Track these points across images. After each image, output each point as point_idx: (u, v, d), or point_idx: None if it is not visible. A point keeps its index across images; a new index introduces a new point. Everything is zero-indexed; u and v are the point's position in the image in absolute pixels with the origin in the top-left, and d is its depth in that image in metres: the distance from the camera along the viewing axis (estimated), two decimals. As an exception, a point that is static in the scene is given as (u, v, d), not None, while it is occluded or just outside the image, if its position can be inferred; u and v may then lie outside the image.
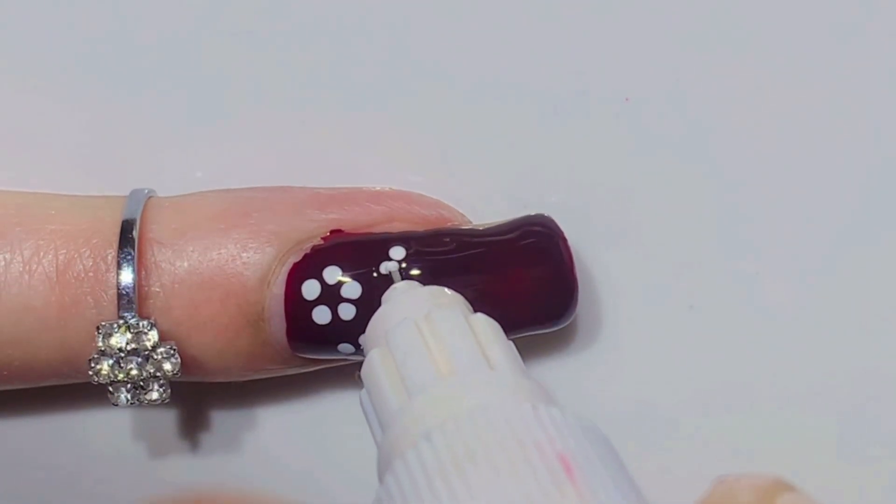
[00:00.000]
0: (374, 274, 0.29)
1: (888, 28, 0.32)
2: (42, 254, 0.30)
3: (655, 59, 0.33)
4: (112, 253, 0.29)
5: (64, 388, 0.32)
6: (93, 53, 0.33)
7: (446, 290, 0.28)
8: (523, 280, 0.30)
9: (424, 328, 0.25)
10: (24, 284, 0.29)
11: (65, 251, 0.30)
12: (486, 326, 0.26)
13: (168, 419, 0.33)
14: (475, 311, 0.28)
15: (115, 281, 0.29)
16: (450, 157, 0.33)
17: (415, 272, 0.29)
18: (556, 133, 0.33)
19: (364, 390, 0.26)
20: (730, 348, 0.32)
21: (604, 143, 0.33)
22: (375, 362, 0.26)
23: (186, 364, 0.30)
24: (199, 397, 0.33)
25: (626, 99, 0.32)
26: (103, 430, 0.33)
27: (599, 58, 0.33)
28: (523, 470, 0.22)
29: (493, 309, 0.28)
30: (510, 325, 0.28)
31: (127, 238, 0.29)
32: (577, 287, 0.30)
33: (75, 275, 0.29)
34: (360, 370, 0.27)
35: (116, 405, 0.30)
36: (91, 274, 0.29)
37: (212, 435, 0.33)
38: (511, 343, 0.26)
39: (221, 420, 0.33)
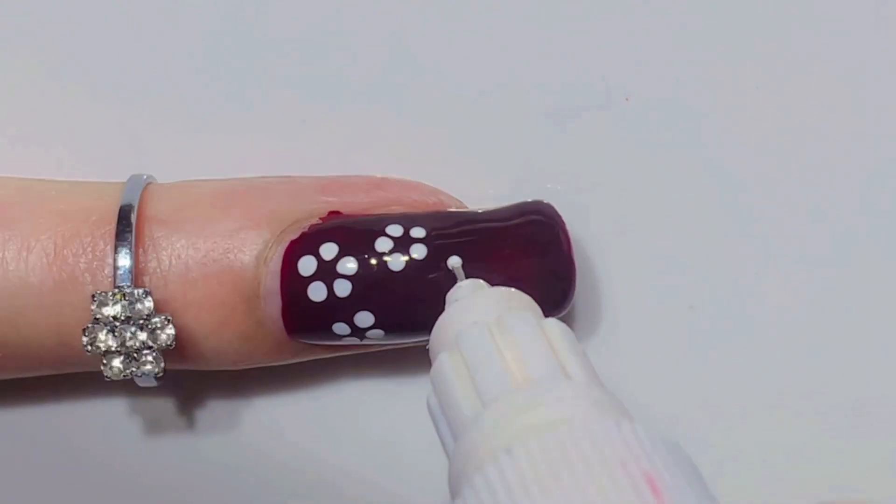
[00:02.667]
0: (371, 258, 0.29)
1: (889, 28, 0.33)
2: (40, 231, 0.29)
3: (655, 59, 0.33)
4: (110, 230, 0.29)
5: (62, 382, 0.32)
6: (93, 43, 0.33)
7: (514, 290, 0.27)
8: (522, 269, 0.30)
9: (496, 333, 0.25)
10: (21, 261, 0.29)
11: (63, 229, 0.29)
12: (559, 332, 0.25)
13: (165, 415, 0.33)
14: None
15: (112, 258, 0.29)
16: (450, 159, 0.33)
17: (414, 253, 0.29)
18: (555, 133, 0.33)
19: (432, 394, 0.25)
20: (730, 348, 0.33)
21: (604, 142, 0.33)
22: (446, 367, 0.25)
23: (181, 343, 0.29)
24: (195, 392, 0.33)
25: (627, 99, 0.33)
26: (101, 424, 0.33)
27: (599, 58, 0.33)
28: (609, 490, 0.21)
29: None
30: None
31: (125, 216, 0.29)
32: (574, 278, 0.30)
33: (73, 252, 0.29)
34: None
35: (109, 378, 0.29)
36: (89, 251, 0.29)
37: (209, 429, 0.33)
38: (584, 350, 0.25)
39: (219, 414, 0.33)
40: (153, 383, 0.30)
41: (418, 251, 0.29)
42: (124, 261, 0.29)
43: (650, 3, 0.33)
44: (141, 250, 0.29)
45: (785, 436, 0.32)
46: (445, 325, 0.27)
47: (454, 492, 0.23)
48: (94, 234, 0.29)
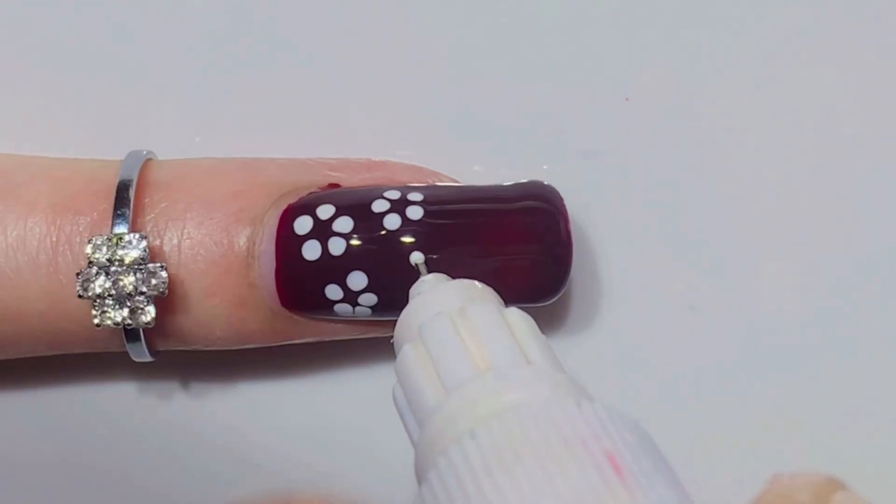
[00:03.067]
0: (367, 217, 0.29)
1: (888, 28, 0.32)
2: (41, 196, 0.30)
3: (655, 59, 0.33)
4: (109, 195, 0.30)
5: (58, 373, 0.32)
6: (92, 18, 0.33)
7: (476, 283, 0.28)
8: (517, 252, 0.30)
9: (459, 322, 0.25)
10: (21, 222, 0.29)
11: (64, 193, 0.30)
12: (520, 320, 0.25)
13: (158, 407, 0.33)
14: (463, 272, 0.29)
15: (109, 223, 0.29)
16: (448, 160, 0.32)
17: (409, 213, 0.29)
18: (555, 133, 0.33)
19: (397, 385, 0.25)
20: (730, 348, 0.32)
21: (603, 142, 0.33)
22: (409, 357, 0.25)
23: (173, 304, 0.30)
24: (188, 383, 0.33)
25: (627, 99, 0.33)
26: (94, 414, 0.33)
27: (599, 58, 0.33)
28: (571, 468, 0.21)
29: (482, 277, 0.29)
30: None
31: (125, 181, 0.30)
32: (570, 266, 0.30)
33: (72, 214, 0.30)
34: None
35: (100, 325, 0.29)
36: (87, 215, 0.30)
37: (201, 420, 0.33)
38: (545, 338, 0.25)
39: (213, 405, 0.33)
40: (147, 357, 0.30)
41: (414, 212, 0.30)
42: (122, 218, 0.29)
43: (650, 3, 0.33)
44: (139, 211, 0.30)
45: (784, 436, 0.32)
46: (408, 318, 0.27)
47: (420, 477, 0.23)
48: (94, 198, 0.30)
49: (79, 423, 0.33)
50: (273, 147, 0.32)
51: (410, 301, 0.27)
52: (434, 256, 0.29)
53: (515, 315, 0.26)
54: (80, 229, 0.30)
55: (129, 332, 0.30)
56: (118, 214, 0.29)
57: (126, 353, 0.31)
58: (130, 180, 0.30)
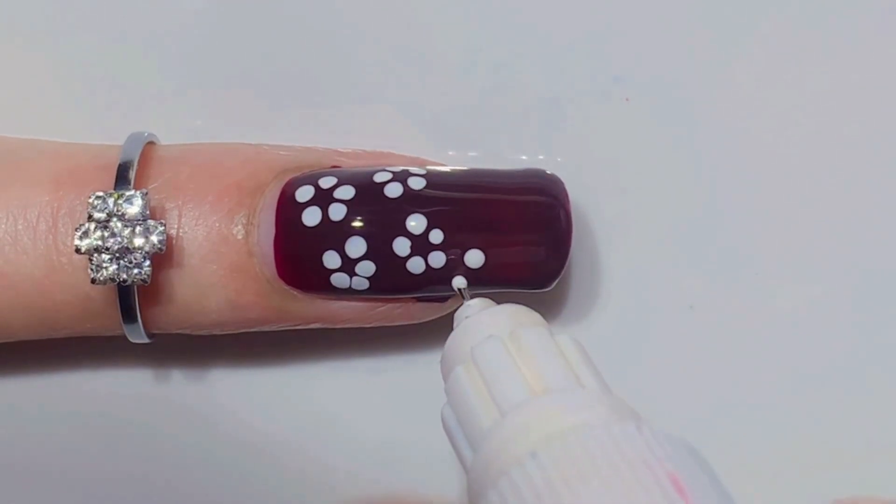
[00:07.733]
0: (368, 186, 0.30)
1: (888, 28, 0.33)
2: (47, 170, 0.30)
3: (656, 60, 0.33)
4: (112, 167, 0.30)
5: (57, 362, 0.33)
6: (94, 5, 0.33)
7: (523, 307, 0.28)
8: (514, 242, 0.30)
9: (511, 346, 0.25)
10: (24, 192, 0.30)
11: (69, 167, 0.30)
12: (572, 346, 0.26)
13: (156, 400, 0.33)
14: (462, 251, 0.29)
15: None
16: (446, 151, 0.33)
17: (411, 183, 0.30)
18: (555, 133, 0.33)
19: (447, 406, 0.25)
20: (730, 348, 0.33)
21: (603, 143, 0.33)
22: (462, 379, 0.25)
23: (169, 269, 0.30)
24: (192, 369, 0.33)
25: (627, 99, 0.33)
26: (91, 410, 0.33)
27: (600, 57, 0.33)
28: (637, 489, 0.21)
29: (480, 261, 0.29)
30: (493, 281, 0.29)
31: (128, 157, 0.30)
32: (566, 259, 0.30)
33: (75, 186, 0.30)
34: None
35: (94, 282, 0.29)
36: (89, 186, 0.30)
37: (199, 414, 0.33)
38: (594, 362, 0.26)
39: (210, 399, 0.33)
40: (144, 339, 0.30)
41: (416, 183, 0.30)
42: (124, 181, 0.29)
43: (650, 2, 0.33)
44: (142, 181, 0.30)
45: (784, 435, 0.32)
46: (458, 341, 0.27)
47: (475, 499, 0.24)
48: (97, 172, 0.30)
49: (78, 417, 0.33)
50: (273, 139, 0.32)
51: (458, 325, 0.27)
52: (434, 231, 0.29)
53: (567, 341, 0.26)
54: (82, 199, 0.30)
55: (126, 308, 0.30)
56: (120, 177, 0.29)
57: (123, 340, 0.30)
58: (134, 155, 0.30)
